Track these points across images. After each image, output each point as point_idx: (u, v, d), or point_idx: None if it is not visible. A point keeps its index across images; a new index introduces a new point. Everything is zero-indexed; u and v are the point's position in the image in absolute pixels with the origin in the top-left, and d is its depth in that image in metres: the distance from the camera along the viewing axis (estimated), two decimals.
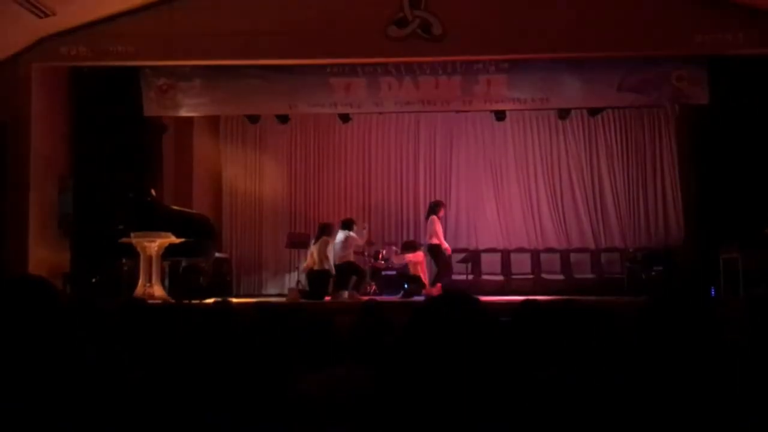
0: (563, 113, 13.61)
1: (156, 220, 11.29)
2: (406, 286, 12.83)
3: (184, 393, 1.20)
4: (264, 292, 14.34)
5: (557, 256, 14.38)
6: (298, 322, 4.17)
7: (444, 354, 1.04)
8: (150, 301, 5.78)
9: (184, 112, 12.79)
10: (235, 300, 10.42)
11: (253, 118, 13.98)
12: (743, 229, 11.55)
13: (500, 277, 13.95)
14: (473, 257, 13.71)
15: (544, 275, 14.05)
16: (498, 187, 14.86)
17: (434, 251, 12.38)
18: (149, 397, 1.22)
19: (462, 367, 1.03)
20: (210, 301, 9.85)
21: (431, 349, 1.04)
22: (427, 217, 12.63)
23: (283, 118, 13.75)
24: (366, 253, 13.37)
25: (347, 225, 12.52)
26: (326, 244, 12.23)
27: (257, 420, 1.22)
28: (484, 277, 13.97)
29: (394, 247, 13.86)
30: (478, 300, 1.39)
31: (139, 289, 10.96)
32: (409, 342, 1.07)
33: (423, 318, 1.14)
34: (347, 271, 12.29)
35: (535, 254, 14.43)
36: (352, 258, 12.46)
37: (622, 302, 10.45)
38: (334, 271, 12.13)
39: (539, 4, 11.31)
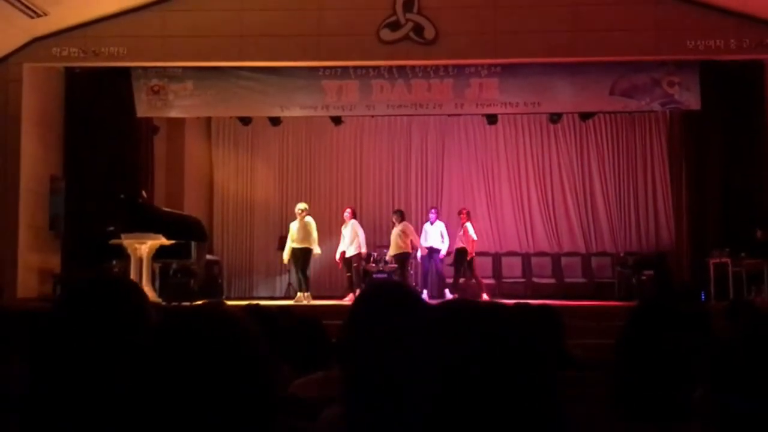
0: (555, 117, 13.60)
1: (147, 222, 11.26)
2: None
3: (171, 395, 1.19)
4: (255, 294, 14.29)
5: (548, 259, 14.38)
6: (289, 325, 4.16)
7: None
8: None
9: (175, 114, 12.76)
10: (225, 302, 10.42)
11: (245, 120, 13.92)
12: (734, 234, 11.59)
13: (491, 281, 13.94)
14: None
15: (535, 279, 14.04)
16: (489, 191, 14.87)
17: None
18: (138, 399, 1.21)
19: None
20: (200, 303, 9.85)
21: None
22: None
23: (275, 121, 13.70)
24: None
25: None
26: None
27: (245, 423, 1.21)
28: None
29: (385, 250, 13.77)
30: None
31: None
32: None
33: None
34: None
35: (526, 258, 14.42)
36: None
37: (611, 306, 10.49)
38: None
39: (531, 9, 11.33)
